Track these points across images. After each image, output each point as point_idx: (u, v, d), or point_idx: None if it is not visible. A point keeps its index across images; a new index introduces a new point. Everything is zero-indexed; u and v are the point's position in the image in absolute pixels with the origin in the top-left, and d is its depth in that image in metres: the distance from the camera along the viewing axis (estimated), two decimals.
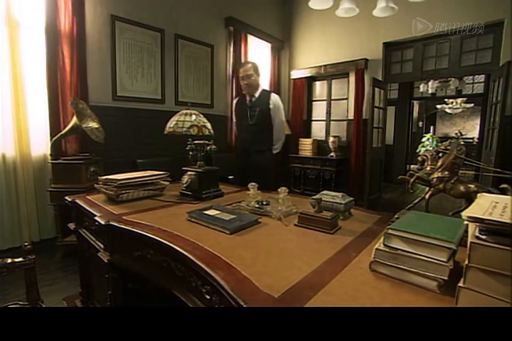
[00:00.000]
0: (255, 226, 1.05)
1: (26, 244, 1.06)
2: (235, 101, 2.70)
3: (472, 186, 0.92)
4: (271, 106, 2.42)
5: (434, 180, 0.98)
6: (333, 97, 4.76)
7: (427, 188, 1.04)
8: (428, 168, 1.05)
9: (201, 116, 1.57)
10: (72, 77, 2.60)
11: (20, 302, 1.05)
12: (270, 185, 2.39)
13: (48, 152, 2.43)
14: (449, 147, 0.97)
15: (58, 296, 1.78)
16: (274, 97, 2.46)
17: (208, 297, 0.74)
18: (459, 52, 3.66)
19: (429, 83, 5.90)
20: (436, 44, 3.82)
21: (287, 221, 1.10)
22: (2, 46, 2.29)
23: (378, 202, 4.56)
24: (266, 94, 2.48)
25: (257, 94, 2.45)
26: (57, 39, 2.50)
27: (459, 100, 7.80)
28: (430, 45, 3.88)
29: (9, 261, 0.96)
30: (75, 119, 2.31)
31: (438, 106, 8.58)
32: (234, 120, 2.81)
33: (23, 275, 1.00)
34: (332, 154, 4.47)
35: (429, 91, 6.06)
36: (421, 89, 6.32)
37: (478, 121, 8.02)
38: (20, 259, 1.00)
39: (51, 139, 2.43)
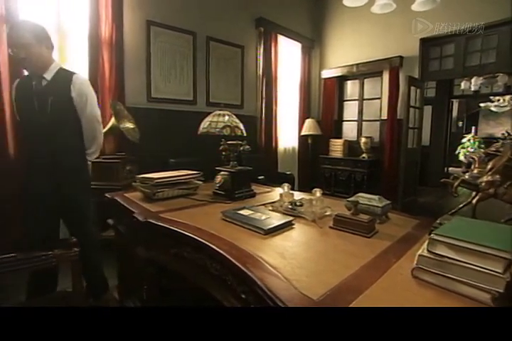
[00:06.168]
0: (289, 227, 1.04)
1: (73, 237, 1.14)
2: (14, 84, 1.67)
3: None
4: (73, 95, 1.60)
5: (483, 184, 0.92)
6: (365, 97, 4.61)
7: (473, 193, 0.97)
8: (475, 171, 0.98)
9: (234, 116, 1.59)
10: (110, 80, 2.73)
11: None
12: (90, 236, 1.68)
13: None
14: (501, 149, 0.90)
15: None
16: (79, 80, 1.63)
17: (243, 296, 0.74)
18: (509, 45, 3.35)
19: (472, 80, 5.49)
20: (482, 37, 3.54)
21: (321, 223, 1.08)
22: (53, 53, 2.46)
23: (413, 205, 4.34)
24: (65, 75, 1.63)
25: (48, 76, 1.59)
26: (98, 46, 2.64)
27: (507, 97, 7.14)
28: (474, 39, 3.60)
29: (59, 252, 1.04)
30: (113, 120, 2.44)
31: (481, 105, 7.97)
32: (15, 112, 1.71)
33: (71, 266, 1.08)
34: (364, 155, 4.33)
35: (472, 89, 5.65)
36: (462, 87, 5.89)
37: None
38: (68, 251, 1.07)
39: None
